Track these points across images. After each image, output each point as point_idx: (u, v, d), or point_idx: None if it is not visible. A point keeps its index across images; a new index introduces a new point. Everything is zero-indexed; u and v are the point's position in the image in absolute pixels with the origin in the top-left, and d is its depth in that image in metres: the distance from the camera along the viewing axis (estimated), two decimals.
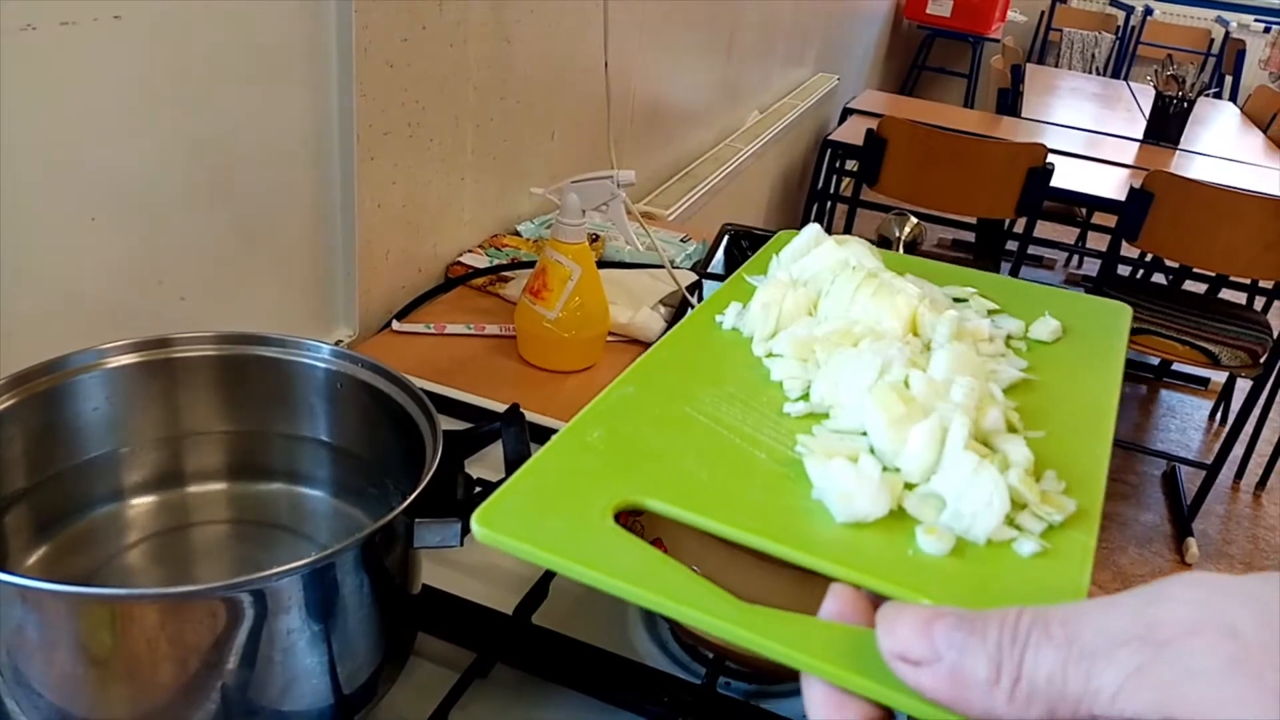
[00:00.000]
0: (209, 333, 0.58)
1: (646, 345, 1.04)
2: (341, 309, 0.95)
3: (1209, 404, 2.97)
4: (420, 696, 0.54)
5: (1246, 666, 0.22)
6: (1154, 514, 2.44)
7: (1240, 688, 0.21)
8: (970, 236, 3.01)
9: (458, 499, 0.51)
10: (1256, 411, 2.40)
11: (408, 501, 0.46)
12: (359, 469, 0.59)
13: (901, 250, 1.16)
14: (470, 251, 1.18)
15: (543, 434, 0.80)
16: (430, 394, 0.55)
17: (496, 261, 1.15)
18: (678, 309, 1.09)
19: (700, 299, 1.13)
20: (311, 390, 0.59)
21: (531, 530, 0.33)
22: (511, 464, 0.53)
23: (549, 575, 0.64)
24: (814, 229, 0.56)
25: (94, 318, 0.68)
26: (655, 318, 1.07)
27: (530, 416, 0.60)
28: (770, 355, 0.48)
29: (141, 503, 0.58)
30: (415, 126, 1.02)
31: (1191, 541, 2.29)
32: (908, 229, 1.20)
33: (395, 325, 1.02)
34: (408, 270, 1.09)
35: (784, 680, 0.59)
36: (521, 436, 0.55)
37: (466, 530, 0.49)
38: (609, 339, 1.03)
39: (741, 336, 0.50)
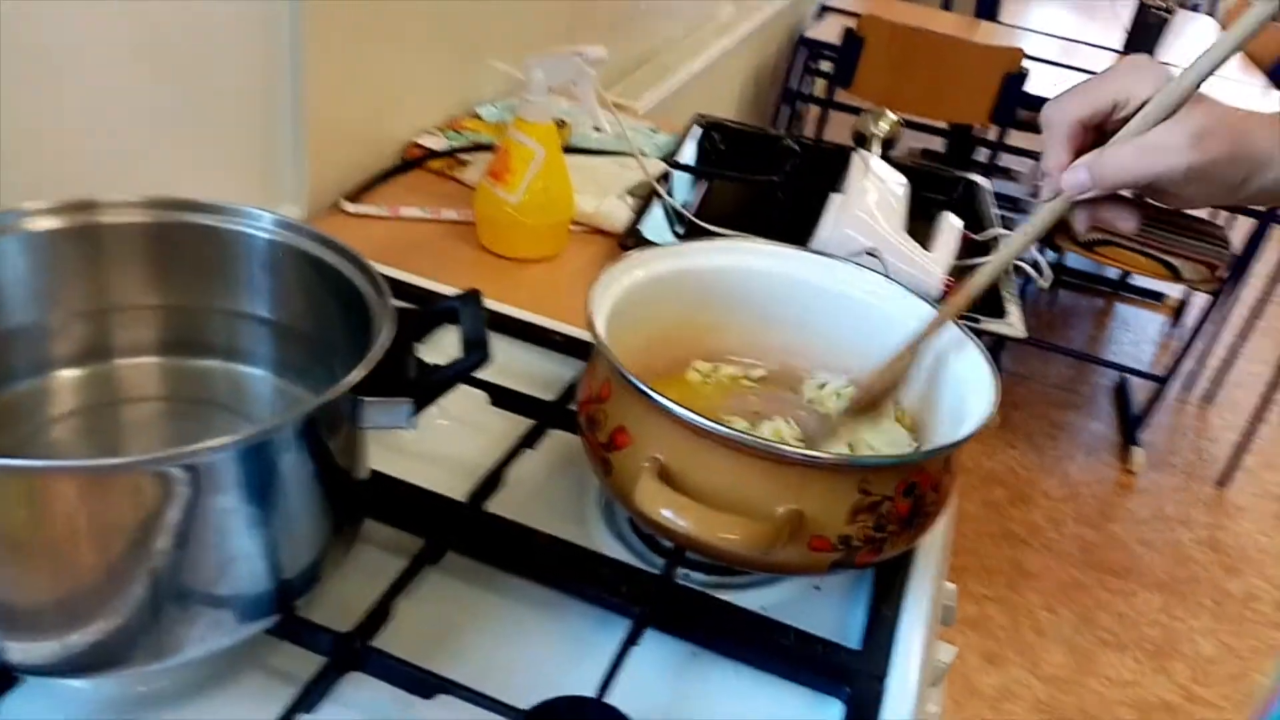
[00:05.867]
0: (138, 197, 0.54)
1: (613, 236, 1.00)
2: (289, 186, 0.90)
3: (1163, 319, 3.00)
4: (367, 583, 0.52)
5: None
6: (1103, 424, 2.48)
7: None
8: (941, 146, 2.96)
9: (409, 379, 0.48)
10: (1210, 327, 2.43)
11: (353, 376, 0.43)
12: (303, 347, 0.56)
13: (879, 148, 1.12)
14: (428, 134, 1.12)
15: (503, 322, 0.77)
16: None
17: (456, 144, 1.10)
18: (645, 199, 1.05)
19: (670, 191, 1.09)
20: (252, 262, 0.55)
21: None
22: (469, 345, 0.50)
23: (504, 463, 0.62)
24: None
25: (13, 183, 0.63)
26: (622, 207, 1.03)
27: (490, 304, 0.57)
28: None
29: (67, 375, 0.54)
30: None
31: (1138, 450, 2.34)
32: (885, 125, 1.16)
33: (347, 206, 0.97)
34: (361, 149, 1.03)
35: (743, 572, 0.58)
36: (477, 316, 0.52)
37: (416, 411, 0.46)
38: (573, 228, 0.99)
39: None
